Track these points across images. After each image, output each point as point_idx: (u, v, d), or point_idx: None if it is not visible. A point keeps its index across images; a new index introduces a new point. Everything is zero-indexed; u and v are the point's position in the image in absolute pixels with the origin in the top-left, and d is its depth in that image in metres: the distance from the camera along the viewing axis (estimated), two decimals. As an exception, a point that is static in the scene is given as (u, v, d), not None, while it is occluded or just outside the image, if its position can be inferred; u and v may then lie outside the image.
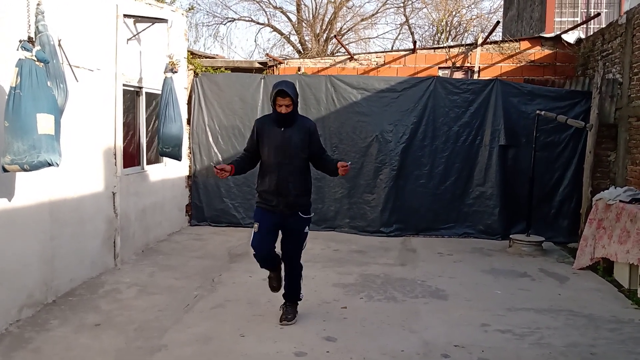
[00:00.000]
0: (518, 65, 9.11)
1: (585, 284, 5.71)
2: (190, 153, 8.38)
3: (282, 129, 4.32)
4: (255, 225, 4.35)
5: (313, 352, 3.95)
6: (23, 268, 4.45)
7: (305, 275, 5.23)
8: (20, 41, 3.93)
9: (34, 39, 4.19)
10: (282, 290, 4.68)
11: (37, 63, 3.92)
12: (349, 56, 9.54)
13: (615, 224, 5.67)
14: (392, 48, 21.94)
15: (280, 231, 4.47)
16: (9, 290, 4.27)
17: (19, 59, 3.88)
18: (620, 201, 5.76)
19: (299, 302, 4.67)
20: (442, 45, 10.29)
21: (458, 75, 9.32)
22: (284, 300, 4.64)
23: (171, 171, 7.65)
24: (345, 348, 4.03)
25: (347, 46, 10.94)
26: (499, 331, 4.39)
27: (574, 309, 4.92)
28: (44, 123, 3.88)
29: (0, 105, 4.01)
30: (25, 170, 3.94)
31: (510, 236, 7.33)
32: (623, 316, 4.76)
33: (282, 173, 4.27)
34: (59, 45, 4.77)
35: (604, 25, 8.70)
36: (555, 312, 4.85)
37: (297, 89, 8.54)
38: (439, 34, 21.17)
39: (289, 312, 4.57)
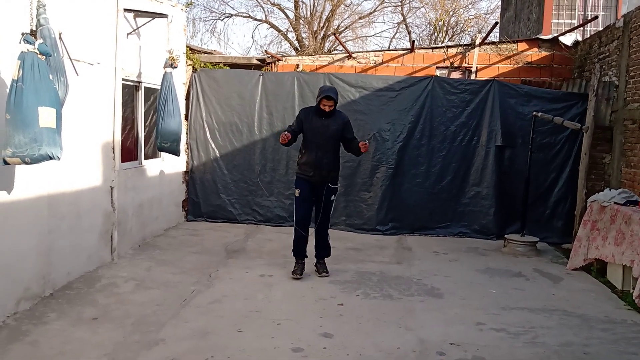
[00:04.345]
0: (515, 66, 9.17)
1: (579, 285, 5.77)
2: (187, 148, 8.38)
3: (323, 119, 5.49)
4: (297, 190, 5.60)
5: (310, 348, 3.98)
6: (20, 261, 4.45)
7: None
8: (23, 34, 3.93)
9: (35, 32, 4.18)
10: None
11: (39, 56, 3.91)
12: (347, 54, 9.56)
13: (610, 226, 5.72)
14: (389, 47, 21.99)
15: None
16: (7, 282, 4.28)
17: (21, 52, 3.88)
18: (615, 203, 5.82)
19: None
20: (440, 45, 10.33)
21: (455, 75, 9.37)
22: (315, 260, 5.81)
23: (168, 166, 7.66)
24: (342, 344, 4.06)
25: (344, 44, 10.95)
26: (494, 330, 4.44)
27: (568, 309, 4.97)
28: (46, 116, 3.88)
29: (2, 97, 4.01)
30: (26, 163, 3.94)
31: (505, 236, 7.38)
32: (616, 316, 4.81)
33: (320, 152, 5.48)
34: (60, 38, 4.75)
35: (601, 28, 8.76)
36: (549, 311, 4.90)
37: (296, 87, 8.62)
38: (436, 34, 21.24)
39: (323, 267, 5.77)
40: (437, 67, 9.39)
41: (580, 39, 9.01)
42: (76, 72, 5.10)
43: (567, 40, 8.96)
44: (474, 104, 7.94)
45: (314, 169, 5.49)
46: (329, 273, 5.71)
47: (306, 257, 5.72)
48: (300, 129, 5.57)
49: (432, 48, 9.63)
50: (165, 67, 6.69)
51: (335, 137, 5.56)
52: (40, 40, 4.04)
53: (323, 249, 5.82)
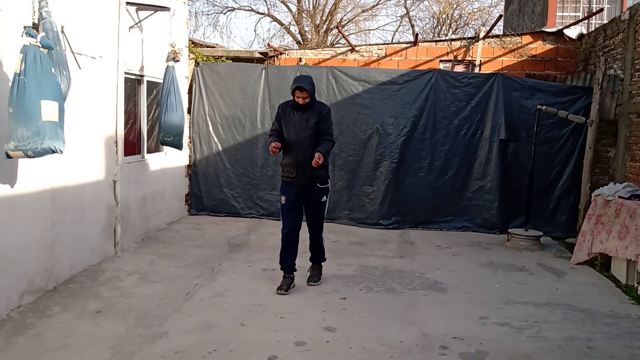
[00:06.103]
0: (519, 59, 9.12)
1: (583, 279, 5.75)
2: (190, 142, 8.38)
3: (301, 112, 4.93)
4: (283, 197, 5.08)
5: (313, 342, 3.97)
6: (24, 254, 4.47)
7: (303, 266, 5.38)
8: (25, 27, 3.91)
9: (38, 25, 4.17)
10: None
11: (41, 49, 3.90)
12: (350, 47, 9.52)
13: (615, 220, 5.70)
14: (392, 40, 21.91)
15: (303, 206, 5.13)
16: (10, 276, 4.29)
17: (24, 45, 3.86)
18: (620, 197, 5.80)
19: (322, 264, 5.39)
20: (443, 38, 10.28)
21: (459, 68, 9.32)
22: (310, 264, 5.37)
23: (171, 160, 7.65)
24: (345, 338, 4.06)
25: (347, 37, 10.90)
26: (497, 324, 4.43)
27: (572, 304, 4.96)
28: (48, 110, 3.87)
29: (5, 91, 4.00)
30: (28, 156, 3.94)
31: (509, 230, 7.35)
32: (620, 311, 4.80)
33: (301, 149, 4.92)
34: (62, 32, 4.75)
35: (606, 21, 8.69)
36: (553, 306, 4.89)
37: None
38: (439, 27, 21.14)
39: (315, 274, 5.32)
40: (441, 61, 9.35)
41: (585, 31, 8.95)
42: (78, 65, 5.09)
43: (572, 33, 8.90)
44: (478, 98, 7.90)
45: (297, 169, 4.93)
46: (320, 282, 5.28)
47: (295, 270, 5.16)
48: (281, 127, 5.03)
49: (436, 41, 9.58)
50: (167, 60, 6.68)
51: (315, 132, 4.93)
52: (42, 34, 4.02)
53: (317, 254, 5.33)
